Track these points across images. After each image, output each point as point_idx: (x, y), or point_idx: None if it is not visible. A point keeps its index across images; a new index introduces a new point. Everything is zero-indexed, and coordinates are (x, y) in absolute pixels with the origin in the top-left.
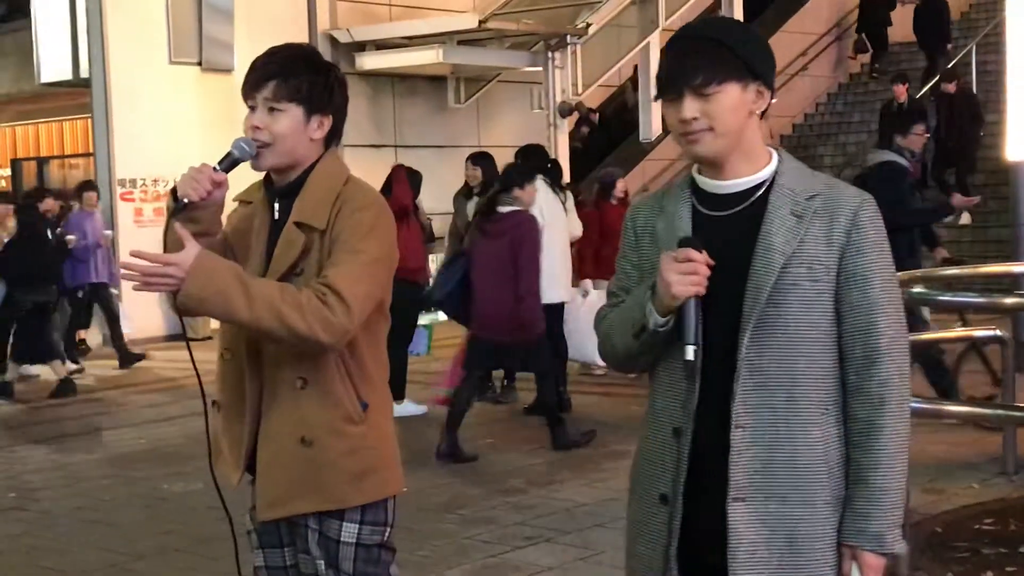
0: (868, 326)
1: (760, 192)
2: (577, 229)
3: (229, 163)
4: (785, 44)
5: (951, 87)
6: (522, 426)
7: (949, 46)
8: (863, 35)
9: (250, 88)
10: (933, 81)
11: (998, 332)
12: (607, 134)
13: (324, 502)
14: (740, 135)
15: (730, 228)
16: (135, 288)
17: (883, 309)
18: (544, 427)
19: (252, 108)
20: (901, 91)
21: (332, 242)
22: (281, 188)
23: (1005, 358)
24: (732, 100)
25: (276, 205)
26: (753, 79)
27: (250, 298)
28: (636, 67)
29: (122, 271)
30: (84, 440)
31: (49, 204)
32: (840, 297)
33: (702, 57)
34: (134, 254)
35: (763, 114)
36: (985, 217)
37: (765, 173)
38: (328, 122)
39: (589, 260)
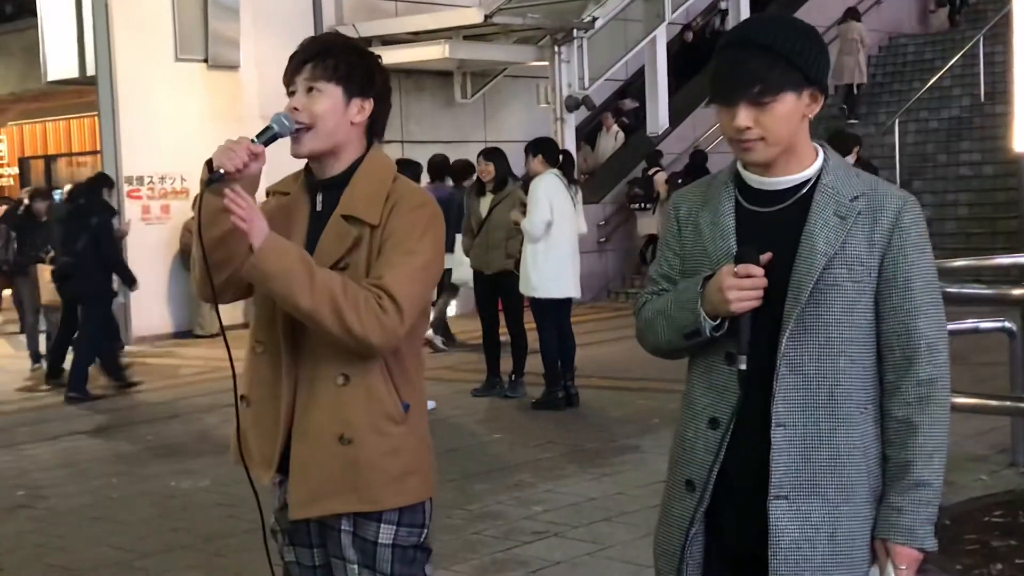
0: (908, 328)
1: (804, 190)
2: (583, 226)
3: (268, 137)
4: None
5: (851, 157)
6: (530, 421)
7: None
8: None
9: (290, 73)
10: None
11: (1007, 323)
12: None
13: (360, 503)
14: (792, 139)
15: (773, 225)
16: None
17: (924, 311)
18: (551, 422)
19: (291, 94)
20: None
21: (384, 240)
22: (325, 180)
23: (1014, 349)
24: (787, 109)
25: (319, 196)
26: (809, 85)
27: (313, 286)
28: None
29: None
30: (92, 438)
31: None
32: (881, 298)
33: (759, 66)
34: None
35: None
36: (994, 209)
37: (810, 171)
38: (369, 107)
39: None
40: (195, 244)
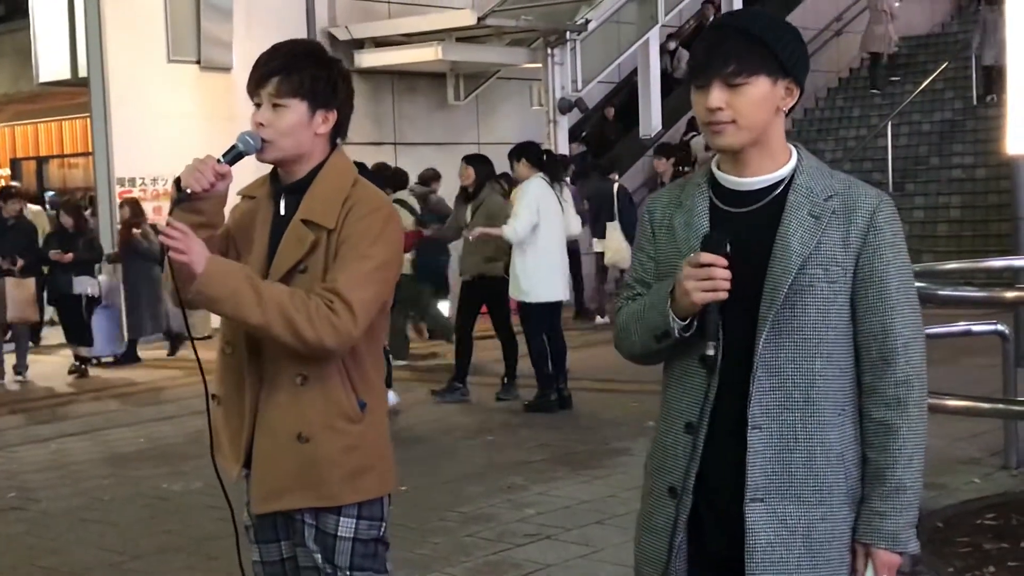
0: (884, 327)
1: (779, 190)
2: (576, 226)
3: (233, 156)
4: None
5: (662, 165)
6: (522, 423)
7: None
8: None
9: (254, 85)
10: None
11: (999, 326)
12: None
13: (318, 499)
14: (764, 130)
15: (747, 225)
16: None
17: (900, 310)
18: (544, 425)
19: (257, 105)
20: (663, 165)
21: (340, 243)
22: (288, 184)
23: (1006, 352)
24: (760, 94)
25: (282, 201)
26: (784, 76)
27: (262, 301)
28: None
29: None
30: (84, 440)
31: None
32: (857, 298)
33: (736, 47)
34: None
35: (789, 111)
36: (986, 211)
37: (784, 171)
38: (333, 117)
39: None
40: (165, 261)
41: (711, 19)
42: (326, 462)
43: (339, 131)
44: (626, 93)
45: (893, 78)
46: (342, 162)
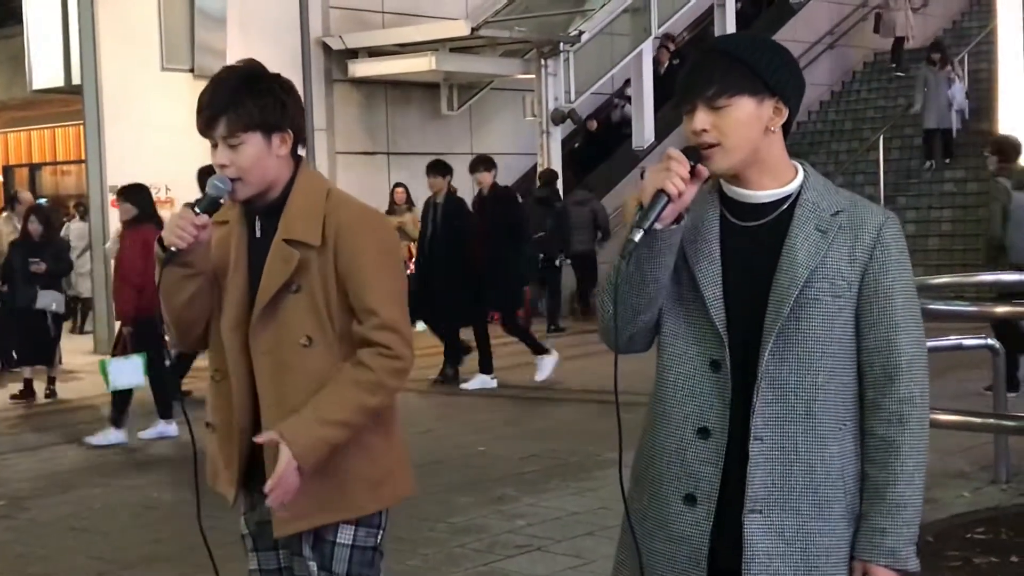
0: (888, 343)
1: (786, 206)
2: None
3: (208, 204)
4: None
5: (485, 178)
6: (513, 434)
7: None
8: None
9: (204, 127)
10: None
11: (989, 340)
12: (600, 142)
13: (344, 512)
14: (755, 151)
15: (755, 239)
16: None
17: (904, 327)
18: (536, 436)
19: (214, 146)
20: (438, 184)
21: (346, 264)
22: (262, 207)
23: (996, 367)
24: (744, 114)
25: (258, 223)
26: (770, 95)
27: (342, 424)
28: (626, 81)
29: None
30: (73, 448)
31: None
32: (861, 313)
33: (717, 70)
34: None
35: (787, 128)
36: (977, 226)
37: (791, 188)
38: (290, 136)
39: None
40: (163, 314)
41: (665, 64)
42: (347, 476)
43: (298, 143)
44: (582, 136)
45: (899, 73)
46: (311, 177)
